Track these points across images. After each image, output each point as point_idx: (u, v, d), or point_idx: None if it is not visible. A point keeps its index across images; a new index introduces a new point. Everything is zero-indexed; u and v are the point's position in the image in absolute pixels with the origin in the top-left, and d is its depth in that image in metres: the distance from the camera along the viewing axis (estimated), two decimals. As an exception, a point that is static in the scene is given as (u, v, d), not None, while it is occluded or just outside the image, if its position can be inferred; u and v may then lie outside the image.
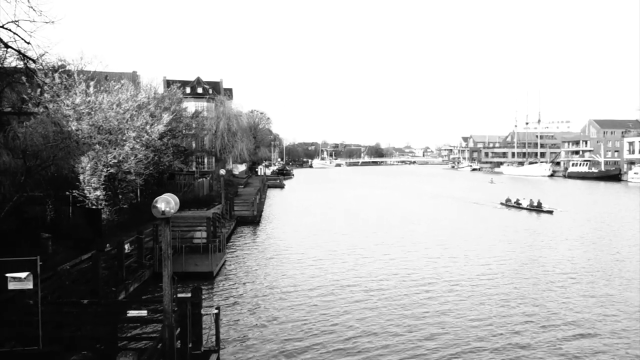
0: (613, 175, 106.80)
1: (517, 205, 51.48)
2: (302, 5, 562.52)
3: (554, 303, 18.76)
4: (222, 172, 43.87)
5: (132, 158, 30.11)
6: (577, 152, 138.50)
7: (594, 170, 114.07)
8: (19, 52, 18.95)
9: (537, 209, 48.37)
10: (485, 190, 75.84)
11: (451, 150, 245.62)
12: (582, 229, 37.69)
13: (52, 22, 17.19)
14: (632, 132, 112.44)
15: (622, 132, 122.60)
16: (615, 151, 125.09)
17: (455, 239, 32.45)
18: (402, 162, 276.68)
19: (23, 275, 11.11)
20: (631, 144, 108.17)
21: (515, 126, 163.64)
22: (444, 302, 18.79)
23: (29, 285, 11.22)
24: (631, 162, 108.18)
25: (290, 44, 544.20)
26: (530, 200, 50.38)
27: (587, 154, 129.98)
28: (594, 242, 31.66)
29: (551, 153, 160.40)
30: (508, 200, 53.89)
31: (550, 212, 46.66)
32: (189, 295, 12.00)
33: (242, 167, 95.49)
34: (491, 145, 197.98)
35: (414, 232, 35.38)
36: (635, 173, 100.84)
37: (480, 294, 20.01)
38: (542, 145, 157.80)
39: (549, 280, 22.21)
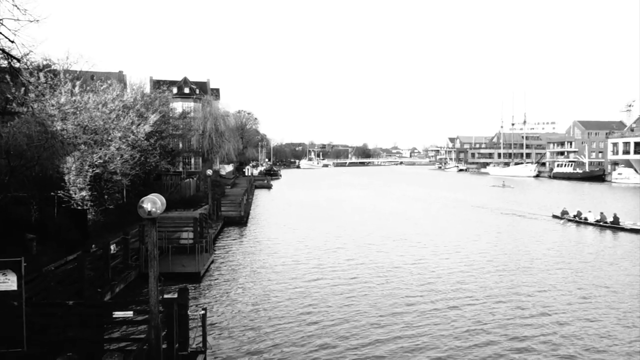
0: (597, 176, 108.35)
1: (582, 220, 39.39)
2: (290, 7, 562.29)
3: None
4: (209, 172, 43.68)
5: (118, 158, 29.87)
6: (562, 153, 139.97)
7: (578, 170, 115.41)
8: (2, 50, 18.68)
9: (613, 226, 36.40)
10: (506, 198, 64.45)
11: (438, 150, 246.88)
12: None
13: (37, 20, 17.01)
14: (616, 133, 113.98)
15: (606, 133, 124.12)
16: (600, 152, 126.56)
17: (528, 267, 24.44)
18: (390, 162, 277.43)
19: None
20: (615, 144, 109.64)
21: (501, 127, 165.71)
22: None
23: (13, 285, 11.09)
24: (615, 163, 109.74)
25: (278, 45, 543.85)
26: (601, 214, 38.27)
27: (572, 155, 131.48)
28: None
29: (536, 154, 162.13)
30: (564, 212, 42.04)
31: (638, 230, 34.87)
32: (176, 296, 11.94)
33: (229, 168, 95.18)
34: (477, 146, 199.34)
35: (455, 256, 27.06)
36: (619, 174, 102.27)
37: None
38: (527, 146, 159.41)
39: None
